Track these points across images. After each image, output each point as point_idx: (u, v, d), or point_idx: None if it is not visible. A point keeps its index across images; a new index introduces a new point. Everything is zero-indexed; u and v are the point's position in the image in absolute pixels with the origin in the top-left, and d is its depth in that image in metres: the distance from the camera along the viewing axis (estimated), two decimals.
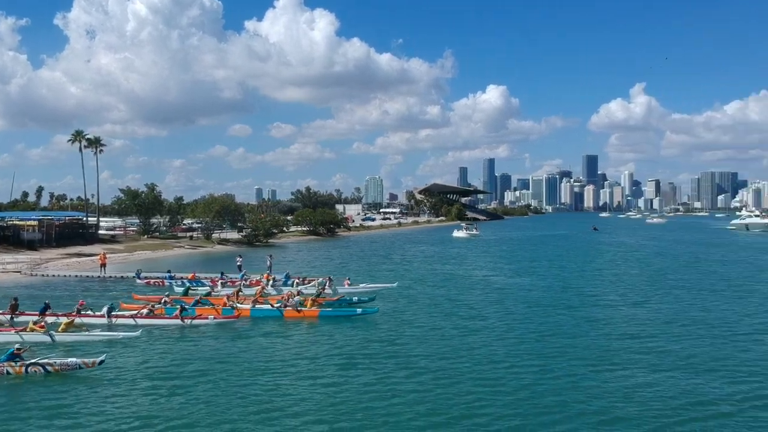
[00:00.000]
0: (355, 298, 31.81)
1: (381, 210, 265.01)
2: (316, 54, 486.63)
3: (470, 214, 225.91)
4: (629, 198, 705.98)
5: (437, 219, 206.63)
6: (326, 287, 33.73)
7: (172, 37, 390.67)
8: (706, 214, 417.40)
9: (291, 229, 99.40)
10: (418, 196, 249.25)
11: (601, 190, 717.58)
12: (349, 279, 37.61)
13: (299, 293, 31.11)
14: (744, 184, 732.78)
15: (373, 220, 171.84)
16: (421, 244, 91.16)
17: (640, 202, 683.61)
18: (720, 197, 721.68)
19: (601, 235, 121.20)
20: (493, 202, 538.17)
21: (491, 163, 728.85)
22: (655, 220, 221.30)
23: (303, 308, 28.75)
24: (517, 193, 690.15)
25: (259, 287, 33.56)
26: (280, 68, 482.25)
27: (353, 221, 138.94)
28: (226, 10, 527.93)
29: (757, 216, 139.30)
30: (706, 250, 76.55)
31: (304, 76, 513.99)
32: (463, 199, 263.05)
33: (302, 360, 21.09)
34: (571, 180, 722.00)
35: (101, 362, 19.25)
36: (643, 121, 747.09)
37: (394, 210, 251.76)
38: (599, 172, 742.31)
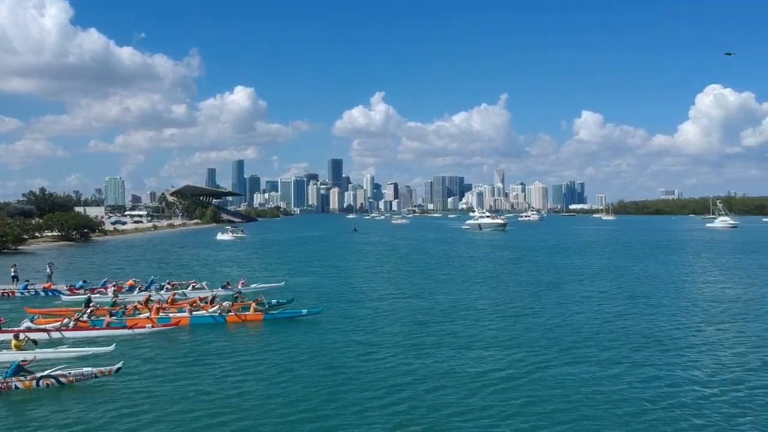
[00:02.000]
0: (273, 301, 31.70)
1: (126, 213, 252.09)
2: (47, 43, 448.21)
3: (225, 216, 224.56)
4: (371, 200, 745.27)
5: (192, 221, 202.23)
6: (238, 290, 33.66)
7: None
8: (440, 215, 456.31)
9: (39, 235, 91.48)
10: (171, 198, 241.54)
11: (345, 193, 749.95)
12: (244, 279, 38.11)
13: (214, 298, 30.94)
14: (469, 188, 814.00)
15: (125, 223, 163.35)
16: (189, 247, 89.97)
17: (381, 204, 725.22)
18: (450, 199, 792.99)
19: (359, 235, 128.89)
20: (243, 203, 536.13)
21: (240, 164, 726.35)
22: (400, 221, 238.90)
23: (246, 312, 28.77)
24: (266, 194, 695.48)
25: (171, 294, 32.53)
26: (3, 56, 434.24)
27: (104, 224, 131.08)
28: None
29: (488, 217, 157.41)
30: (453, 247, 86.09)
31: (32, 66, 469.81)
32: (215, 201, 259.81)
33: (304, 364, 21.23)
34: (318, 182, 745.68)
35: (118, 370, 18.50)
36: (382, 127, 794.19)
37: (141, 212, 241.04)
38: (344, 175, 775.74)
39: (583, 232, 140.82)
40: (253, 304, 29.30)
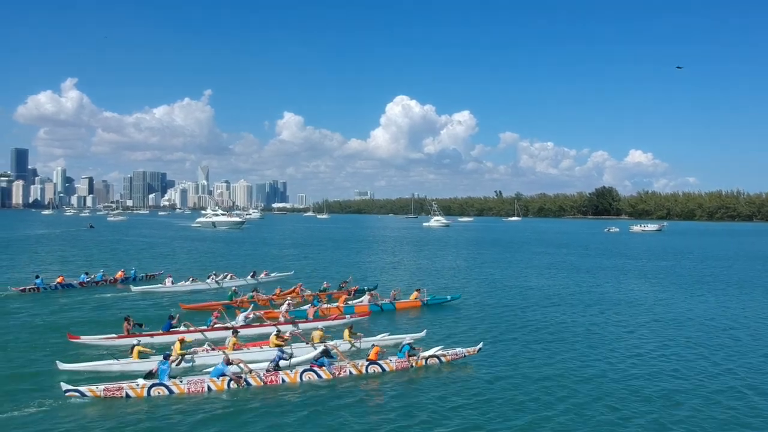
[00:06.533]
0: (366, 287, 35.07)
1: None
2: None
3: None
4: (62, 195, 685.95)
5: None
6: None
7: None
8: (147, 212, 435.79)
9: None
10: None
11: (32, 186, 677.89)
12: (266, 270, 43.25)
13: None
14: (172, 184, 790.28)
15: None
16: None
17: (74, 200, 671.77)
18: (151, 195, 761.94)
19: (100, 233, 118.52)
20: None
21: None
22: (117, 218, 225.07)
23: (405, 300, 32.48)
24: None
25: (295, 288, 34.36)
26: None
27: None
28: None
29: (223, 215, 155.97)
30: (203, 245, 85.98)
31: None
32: None
33: None
34: None
35: (480, 350, 21.26)
36: (74, 116, 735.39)
37: None
38: (29, 167, 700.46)
39: (326, 230, 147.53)
40: (416, 293, 33.09)
